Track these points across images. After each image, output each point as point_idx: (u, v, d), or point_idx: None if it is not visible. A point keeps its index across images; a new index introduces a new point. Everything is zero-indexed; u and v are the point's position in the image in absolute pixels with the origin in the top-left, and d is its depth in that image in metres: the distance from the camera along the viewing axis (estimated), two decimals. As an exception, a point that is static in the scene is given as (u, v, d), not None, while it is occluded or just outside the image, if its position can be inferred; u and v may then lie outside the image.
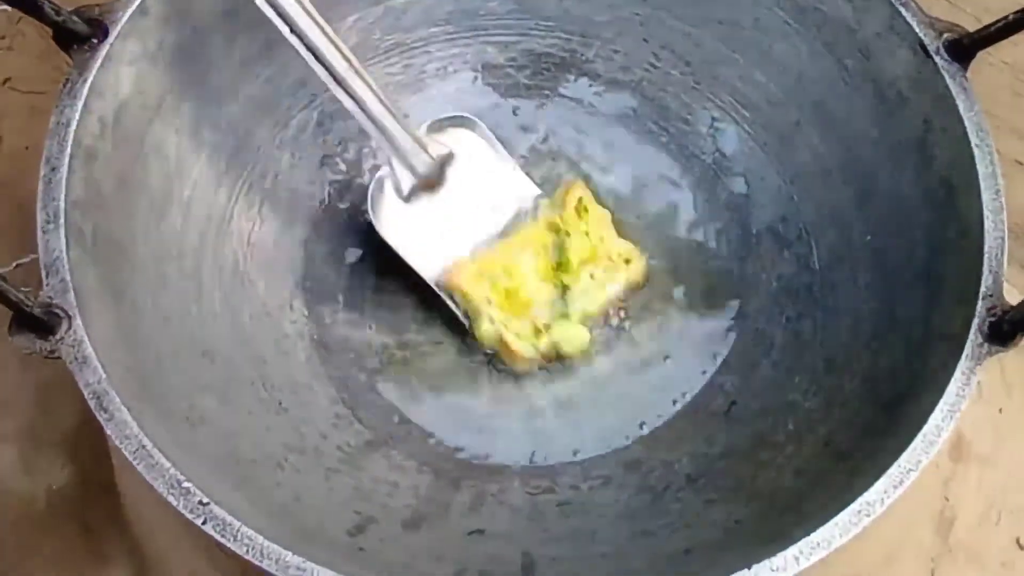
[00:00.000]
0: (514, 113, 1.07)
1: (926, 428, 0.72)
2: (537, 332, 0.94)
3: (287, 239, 0.98)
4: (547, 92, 1.07)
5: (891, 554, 0.96)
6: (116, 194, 0.82)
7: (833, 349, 0.90)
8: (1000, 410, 1.02)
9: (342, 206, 1.02)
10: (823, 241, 0.95)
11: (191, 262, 0.89)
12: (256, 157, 0.97)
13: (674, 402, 0.94)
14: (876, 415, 0.81)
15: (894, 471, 0.71)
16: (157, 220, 0.86)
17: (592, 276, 0.95)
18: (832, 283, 0.93)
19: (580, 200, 0.97)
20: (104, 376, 0.70)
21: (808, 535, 0.68)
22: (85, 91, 0.79)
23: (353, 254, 1.00)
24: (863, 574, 0.93)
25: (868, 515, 0.69)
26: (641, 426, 0.93)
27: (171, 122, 0.88)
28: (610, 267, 0.96)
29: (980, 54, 0.84)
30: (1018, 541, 0.98)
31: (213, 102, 0.92)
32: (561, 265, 0.95)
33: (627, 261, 0.97)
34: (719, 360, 0.96)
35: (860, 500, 0.70)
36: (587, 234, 0.96)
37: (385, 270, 0.98)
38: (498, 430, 0.93)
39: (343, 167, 1.03)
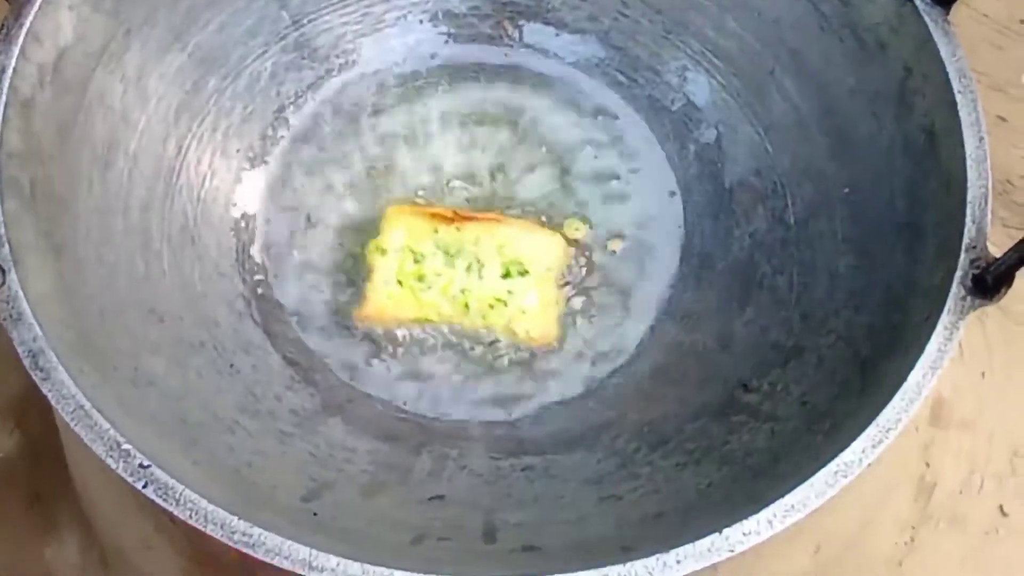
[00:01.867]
0: (475, 65, 1.04)
1: (906, 385, 0.69)
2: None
3: (238, 195, 0.96)
4: (510, 42, 1.05)
5: (868, 520, 0.93)
6: (57, 145, 0.79)
7: (809, 306, 0.88)
8: (982, 374, 0.99)
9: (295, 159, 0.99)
10: (799, 194, 0.93)
11: (138, 217, 0.87)
12: (206, 109, 0.94)
13: (640, 360, 0.92)
14: (854, 373, 0.79)
15: (872, 430, 0.68)
16: (101, 172, 0.84)
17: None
18: (808, 238, 0.91)
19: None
20: (40, 333, 0.68)
21: (782, 496, 0.66)
22: (22, 36, 0.76)
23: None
24: (839, 540, 0.91)
25: (845, 476, 0.67)
26: (607, 385, 0.91)
27: (115, 71, 0.85)
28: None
29: (959, 6, 0.82)
30: (1001, 508, 0.95)
31: (160, 50, 0.89)
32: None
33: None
34: (690, 318, 0.94)
35: (837, 460, 0.67)
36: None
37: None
38: (457, 391, 0.91)
39: (297, 121, 1.00)
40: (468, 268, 0.92)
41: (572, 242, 0.96)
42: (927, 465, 0.96)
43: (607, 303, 0.94)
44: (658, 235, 0.97)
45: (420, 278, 0.92)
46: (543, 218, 0.97)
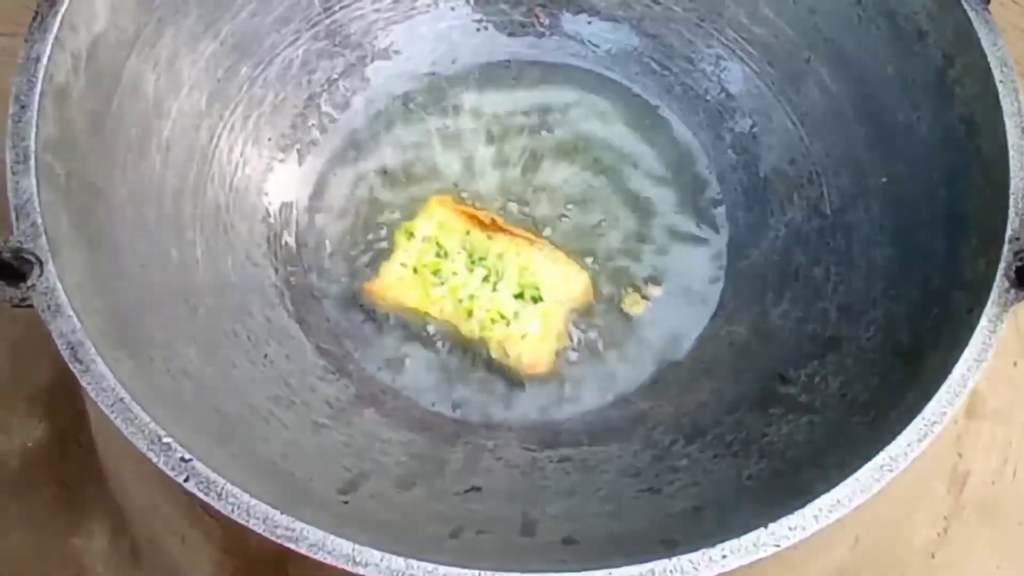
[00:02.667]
0: (507, 53, 1.04)
1: (951, 379, 0.68)
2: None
3: (270, 184, 0.96)
4: (542, 30, 1.04)
5: (903, 512, 0.92)
6: (91, 134, 0.78)
7: (847, 296, 0.87)
8: (1015, 363, 0.98)
9: (327, 148, 0.99)
10: (835, 184, 0.92)
11: (171, 205, 0.86)
12: (238, 97, 0.94)
13: (677, 352, 0.92)
14: (894, 365, 0.78)
15: (918, 424, 0.67)
16: (135, 161, 0.83)
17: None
18: (845, 228, 0.90)
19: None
20: (79, 325, 0.67)
21: (828, 491, 0.65)
22: (56, 24, 0.75)
23: (342, 199, 0.97)
24: (877, 532, 0.90)
25: (891, 470, 0.66)
26: (644, 377, 0.91)
27: (148, 58, 0.84)
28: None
29: (995, -7, 0.81)
30: (1033, 498, 0.94)
31: (192, 37, 0.89)
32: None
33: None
34: (725, 309, 0.93)
35: (883, 454, 0.66)
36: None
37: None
38: (490, 385, 0.91)
39: (329, 109, 1.00)
40: (485, 278, 0.91)
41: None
42: (959, 456, 0.95)
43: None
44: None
45: (436, 272, 0.91)
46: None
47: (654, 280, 0.95)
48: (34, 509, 0.92)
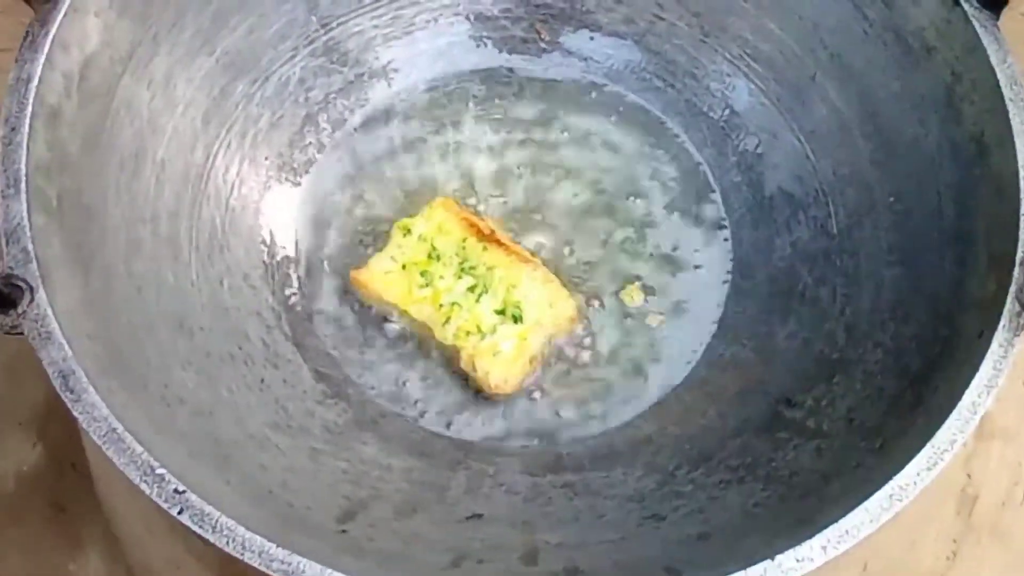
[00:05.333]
0: (508, 70, 1.03)
1: (961, 404, 0.67)
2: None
3: (267, 204, 0.94)
4: (544, 46, 1.03)
5: (911, 536, 0.91)
6: (84, 155, 0.77)
7: (854, 318, 0.86)
8: (1024, 382, 0.97)
9: (325, 167, 0.98)
10: (841, 203, 0.91)
11: (166, 226, 0.85)
12: (234, 115, 0.93)
13: (680, 374, 0.91)
14: (903, 389, 0.77)
15: (927, 451, 0.66)
16: (128, 181, 0.82)
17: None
18: (852, 248, 0.89)
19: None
20: (69, 353, 0.66)
21: (836, 521, 0.64)
22: (48, 44, 0.74)
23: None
24: (885, 558, 0.89)
25: (900, 499, 0.65)
26: (646, 399, 0.90)
27: (142, 77, 0.83)
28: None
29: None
30: (1044, 520, 0.93)
31: (187, 55, 0.88)
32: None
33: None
34: (730, 330, 0.92)
35: (891, 484, 0.65)
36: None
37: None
38: (495, 408, 0.90)
39: (327, 127, 0.99)
40: (471, 288, 0.90)
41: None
42: (968, 477, 0.94)
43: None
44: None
45: (423, 273, 0.90)
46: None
47: (656, 300, 0.94)
48: (29, 534, 0.91)
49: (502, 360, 0.88)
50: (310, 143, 0.97)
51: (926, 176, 0.83)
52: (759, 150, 0.97)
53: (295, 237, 0.95)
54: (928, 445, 0.66)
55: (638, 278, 0.95)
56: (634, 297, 0.94)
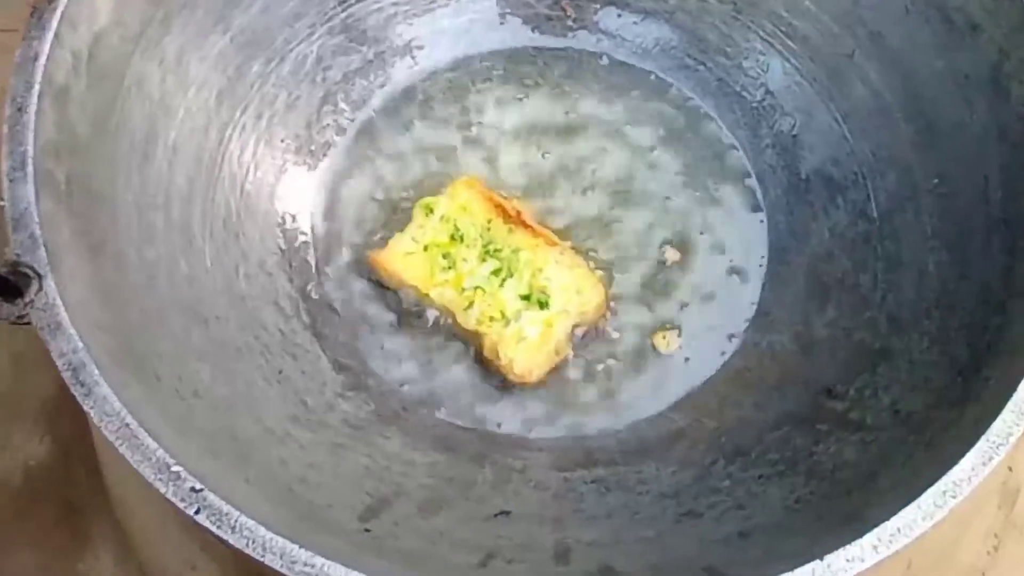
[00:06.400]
0: (533, 49, 1.01)
1: (1017, 396, 0.64)
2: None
3: (283, 188, 0.93)
4: (571, 24, 1.00)
5: (953, 532, 0.89)
6: (93, 137, 0.75)
7: (897, 306, 0.84)
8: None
9: (344, 150, 0.96)
10: (881, 186, 0.89)
11: (179, 211, 0.83)
12: (249, 95, 0.91)
13: (715, 364, 0.89)
14: (951, 380, 0.74)
15: (982, 446, 0.63)
16: (140, 164, 0.80)
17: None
18: (893, 232, 0.87)
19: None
20: (80, 345, 0.64)
21: (887, 519, 0.61)
22: (55, 21, 0.72)
23: (360, 203, 0.95)
24: (930, 554, 0.87)
25: (954, 496, 0.62)
26: (680, 390, 0.88)
27: (154, 55, 0.82)
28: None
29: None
30: (1087, 513, 0.91)
31: (200, 33, 0.86)
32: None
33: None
34: (766, 318, 0.90)
35: (945, 479, 0.62)
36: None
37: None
38: (522, 399, 0.88)
39: (346, 108, 0.97)
40: (496, 271, 0.88)
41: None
42: (1010, 470, 0.92)
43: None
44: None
45: (446, 255, 0.88)
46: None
47: (689, 288, 0.92)
48: (37, 530, 0.91)
49: (527, 347, 0.86)
50: (328, 125, 0.96)
51: (971, 158, 0.81)
52: (795, 131, 0.95)
53: (312, 222, 0.93)
54: (983, 439, 0.63)
55: (669, 265, 0.92)
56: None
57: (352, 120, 0.97)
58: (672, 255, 0.93)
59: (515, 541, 0.75)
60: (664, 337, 0.89)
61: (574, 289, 0.88)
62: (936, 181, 0.85)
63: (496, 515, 0.78)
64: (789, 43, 0.95)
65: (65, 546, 0.90)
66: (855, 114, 0.92)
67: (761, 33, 0.96)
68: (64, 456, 0.92)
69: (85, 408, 0.63)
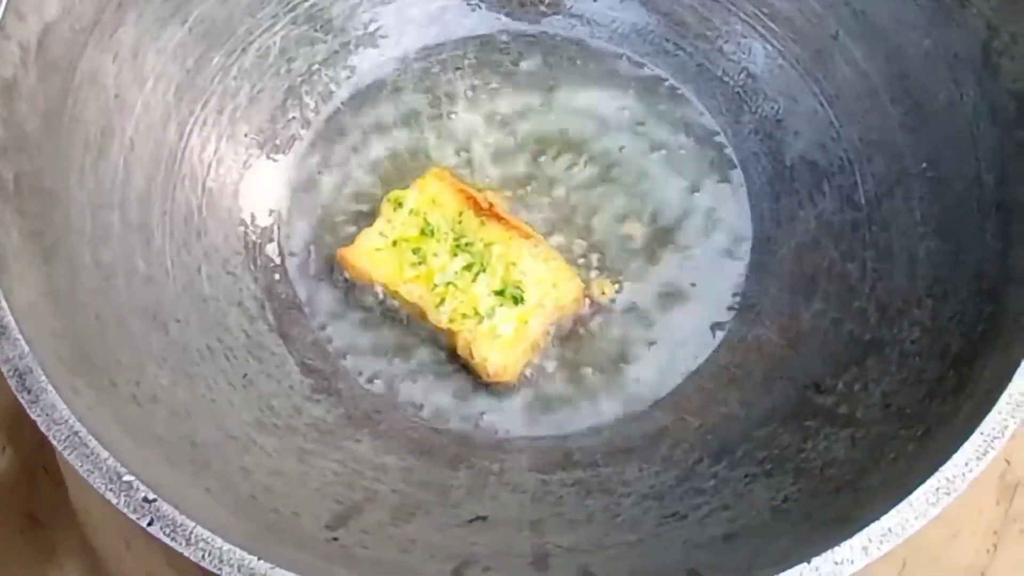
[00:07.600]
0: (505, 35, 0.99)
1: (1011, 387, 0.63)
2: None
3: (247, 184, 0.91)
4: (544, 9, 1.00)
5: (950, 530, 0.87)
6: (44, 133, 0.74)
7: (887, 295, 0.82)
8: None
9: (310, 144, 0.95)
10: (869, 171, 0.88)
11: (137, 210, 0.82)
12: (210, 89, 0.90)
13: (698, 359, 0.87)
14: (944, 372, 0.72)
15: (977, 439, 0.62)
16: (95, 161, 0.79)
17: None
18: (882, 219, 0.86)
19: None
20: (26, 350, 0.62)
21: (878, 519, 0.60)
22: (1, 11, 0.71)
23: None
24: (926, 554, 0.85)
25: (948, 493, 0.60)
26: (663, 387, 0.86)
27: (108, 47, 0.81)
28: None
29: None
30: (1087, 507, 0.90)
31: (157, 23, 0.85)
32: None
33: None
34: (751, 311, 0.89)
35: (938, 475, 0.61)
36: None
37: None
38: (497, 399, 0.86)
39: (311, 100, 0.96)
40: (468, 266, 0.87)
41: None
42: (1007, 463, 0.89)
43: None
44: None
45: (416, 250, 0.87)
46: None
47: (671, 279, 0.90)
48: (1, 545, 0.88)
49: (501, 345, 0.84)
50: (293, 118, 0.95)
51: (962, 140, 0.80)
52: (778, 116, 0.94)
53: (277, 220, 0.92)
54: (977, 432, 0.62)
55: (649, 256, 0.91)
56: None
57: (318, 113, 0.96)
58: (653, 245, 0.91)
59: (492, 548, 0.73)
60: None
61: (550, 283, 0.86)
62: (925, 165, 0.83)
63: (472, 520, 0.76)
64: (771, 25, 0.94)
65: (30, 560, 0.88)
66: (841, 97, 0.91)
67: (741, 15, 0.95)
68: (27, 469, 0.90)
69: (32, 415, 0.61)
